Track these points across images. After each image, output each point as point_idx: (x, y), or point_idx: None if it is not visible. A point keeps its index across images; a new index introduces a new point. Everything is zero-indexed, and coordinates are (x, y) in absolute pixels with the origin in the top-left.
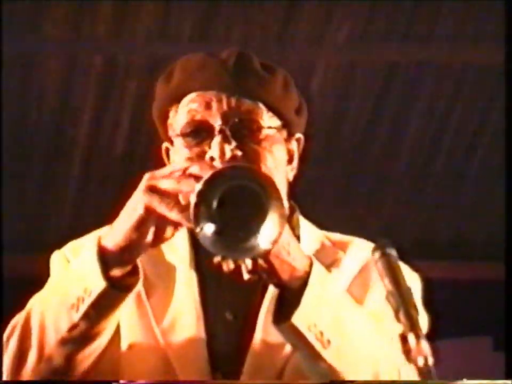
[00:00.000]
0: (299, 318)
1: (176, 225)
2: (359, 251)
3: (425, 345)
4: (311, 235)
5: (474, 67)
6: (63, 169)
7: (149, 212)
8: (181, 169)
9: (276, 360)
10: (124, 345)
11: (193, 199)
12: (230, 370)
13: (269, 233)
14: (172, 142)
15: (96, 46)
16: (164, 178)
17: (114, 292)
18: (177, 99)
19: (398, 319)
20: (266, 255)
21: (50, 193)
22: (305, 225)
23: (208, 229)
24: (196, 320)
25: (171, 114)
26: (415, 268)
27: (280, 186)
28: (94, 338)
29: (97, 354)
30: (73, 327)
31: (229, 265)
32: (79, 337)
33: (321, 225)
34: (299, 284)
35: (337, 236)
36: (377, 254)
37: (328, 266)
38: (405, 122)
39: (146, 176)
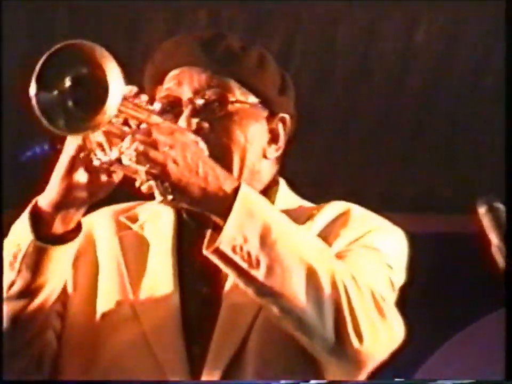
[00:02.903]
0: (223, 242)
1: (109, 171)
2: (335, 206)
3: None
4: (288, 202)
5: None
6: None
7: (80, 149)
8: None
9: (242, 321)
10: (99, 314)
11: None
12: (203, 341)
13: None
14: None
15: (200, 1)
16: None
17: (42, 244)
18: (159, 80)
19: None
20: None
21: None
22: (285, 195)
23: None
24: (171, 293)
25: (157, 94)
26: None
27: (252, 162)
28: (33, 294)
29: (43, 315)
30: (11, 284)
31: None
32: (18, 295)
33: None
34: (224, 209)
35: (316, 205)
36: (483, 208)
37: (303, 222)
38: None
39: None
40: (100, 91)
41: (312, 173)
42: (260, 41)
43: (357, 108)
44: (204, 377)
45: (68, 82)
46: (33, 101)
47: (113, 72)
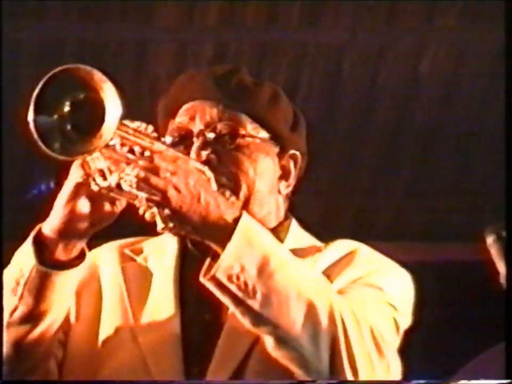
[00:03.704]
0: (220, 270)
1: (112, 200)
2: (343, 245)
3: None
4: (299, 239)
5: None
6: None
7: (85, 178)
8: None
9: (241, 345)
10: (100, 342)
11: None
12: (203, 364)
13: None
14: None
15: (206, 33)
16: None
17: (44, 268)
18: (172, 114)
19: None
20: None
21: None
22: (296, 231)
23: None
24: (171, 318)
25: (169, 127)
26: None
27: (262, 195)
28: (36, 321)
29: (46, 343)
30: (14, 310)
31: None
32: (20, 320)
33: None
34: (224, 237)
35: (326, 244)
36: (491, 237)
37: (310, 256)
38: None
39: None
40: (97, 115)
41: (320, 205)
42: (266, 72)
43: (363, 138)
44: None
45: (66, 107)
46: (31, 125)
47: (110, 96)
